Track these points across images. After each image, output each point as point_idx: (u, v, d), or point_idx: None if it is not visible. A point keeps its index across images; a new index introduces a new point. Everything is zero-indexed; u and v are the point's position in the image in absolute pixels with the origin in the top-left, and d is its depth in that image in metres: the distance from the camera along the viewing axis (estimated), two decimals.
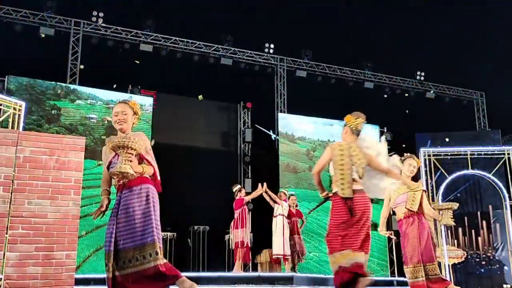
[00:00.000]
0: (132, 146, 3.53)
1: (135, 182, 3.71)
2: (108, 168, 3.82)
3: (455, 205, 6.01)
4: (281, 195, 9.61)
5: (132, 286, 3.55)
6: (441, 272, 9.17)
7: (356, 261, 4.11)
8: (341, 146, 4.50)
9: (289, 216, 9.43)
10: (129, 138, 3.54)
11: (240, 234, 9.10)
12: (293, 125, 12.75)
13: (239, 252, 9.09)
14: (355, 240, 4.22)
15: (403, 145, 10.01)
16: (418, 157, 10.20)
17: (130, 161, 3.56)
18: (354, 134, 4.50)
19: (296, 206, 9.66)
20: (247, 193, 9.72)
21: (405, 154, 6.12)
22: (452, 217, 5.79)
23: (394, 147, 8.52)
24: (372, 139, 4.75)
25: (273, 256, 9.43)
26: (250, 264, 11.17)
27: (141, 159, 3.80)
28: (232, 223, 9.20)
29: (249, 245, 9.33)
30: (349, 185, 4.22)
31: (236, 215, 9.19)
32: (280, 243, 9.26)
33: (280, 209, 9.51)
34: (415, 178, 6.10)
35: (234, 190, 9.35)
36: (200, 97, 12.29)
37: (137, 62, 11.65)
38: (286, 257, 9.29)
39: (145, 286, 3.56)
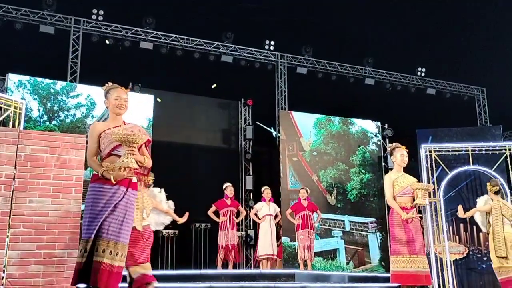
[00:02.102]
0: (137, 141, 3.68)
1: (136, 187, 3.94)
2: (109, 153, 3.89)
3: (430, 186, 6.04)
4: (266, 193, 9.63)
5: (99, 275, 3.63)
6: (442, 268, 9.21)
7: (144, 272, 5.38)
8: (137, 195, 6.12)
9: (300, 210, 9.40)
10: (134, 134, 3.67)
11: (222, 237, 9.18)
12: (293, 122, 12.73)
13: (229, 255, 9.13)
14: (144, 256, 5.55)
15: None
16: (419, 153, 10.25)
17: (133, 154, 3.71)
18: (146, 187, 6.06)
19: (308, 199, 9.60)
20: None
21: (389, 145, 6.15)
22: (425, 197, 5.77)
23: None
24: (157, 190, 6.44)
25: (260, 257, 9.44)
26: (252, 261, 11.19)
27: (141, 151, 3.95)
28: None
29: (235, 246, 9.31)
30: (141, 222, 5.69)
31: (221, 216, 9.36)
32: (265, 244, 9.29)
33: (266, 209, 9.52)
34: (405, 170, 6.10)
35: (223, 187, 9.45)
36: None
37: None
38: (273, 256, 9.34)
39: (105, 280, 3.65)
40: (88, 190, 3.86)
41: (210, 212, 9.33)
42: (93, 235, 3.69)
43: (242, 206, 11.79)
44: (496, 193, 7.26)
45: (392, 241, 5.92)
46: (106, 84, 4.13)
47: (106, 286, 3.62)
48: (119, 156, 3.84)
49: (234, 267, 9.42)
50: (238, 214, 9.58)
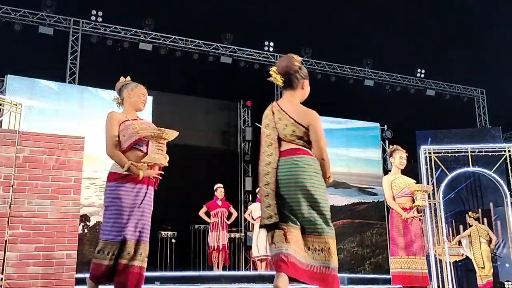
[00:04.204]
0: (167, 138, 3.61)
1: (153, 183, 3.80)
2: (130, 146, 3.71)
3: (429, 188, 6.23)
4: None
5: (130, 278, 3.56)
6: (442, 270, 9.19)
7: None
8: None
9: None
10: (164, 130, 3.58)
11: (214, 238, 9.18)
12: None
13: (219, 256, 9.12)
14: None
15: None
16: (418, 155, 10.24)
17: (163, 151, 3.63)
18: None
19: None
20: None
21: (390, 146, 6.20)
22: (424, 199, 5.83)
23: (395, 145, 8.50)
24: None
25: (254, 258, 9.43)
26: (251, 263, 11.17)
27: None
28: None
29: (226, 247, 9.34)
30: None
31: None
32: (260, 245, 9.29)
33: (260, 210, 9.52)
34: (405, 171, 6.15)
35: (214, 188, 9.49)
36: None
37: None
38: (268, 257, 9.34)
39: (135, 283, 3.60)
40: (108, 190, 3.67)
41: (201, 213, 9.35)
42: (121, 238, 3.58)
43: (241, 208, 11.81)
44: (476, 219, 9.55)
45: (391, 242, 5.98)
46: (123, 78, 4.04)
47: None
48: (141, 151, 3.72)
49: (223, 268, 9.40)
50: (230, 215, 9.57)
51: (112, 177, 3.69)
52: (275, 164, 3.16)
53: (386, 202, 12.28)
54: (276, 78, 3.33)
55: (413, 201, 5.85)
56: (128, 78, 4.06)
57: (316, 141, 3.20)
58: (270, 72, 3.37)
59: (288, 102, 3.32)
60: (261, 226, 3.24)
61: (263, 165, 3.21)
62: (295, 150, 3.19)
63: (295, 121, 3.22)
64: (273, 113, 3.30)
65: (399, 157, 6.02)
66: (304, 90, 3.40)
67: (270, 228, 3.11)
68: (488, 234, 9.47)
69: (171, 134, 3.60)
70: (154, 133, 3.54)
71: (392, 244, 5.89)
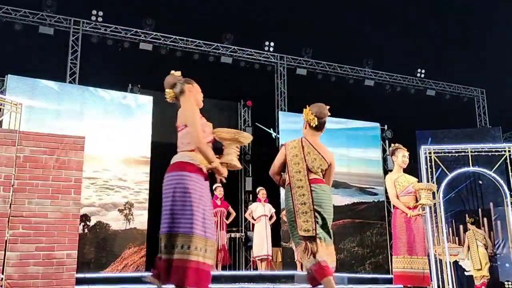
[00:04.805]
0: (243, 141, 3.76)
1: None
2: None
3: (433, 186, 6.13)
4: (262, 194, 9.62)
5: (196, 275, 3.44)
6: (442, 269, 9.20)
7: None
8: None
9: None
10: (241, 133, 3.69)
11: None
12: (293, 124, 12.71)
13: (219, 256, 9.13)
14: None
15: None
16: (418, 155, 10.25)
17: (237, 154, 3.74)
18: None
19: None
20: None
21: (392, 145, 6.18)
22: (429, 197, 5.81)
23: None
24: None
25: (255, 258, 9.44)
26: (251, 263, 11.18)
27: None
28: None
29: (225, 247, 9.32)
30: None
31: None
32: (260, 244, 9.29)
33: (262, 209, 9.52)
34: (405, 171, 6.14)
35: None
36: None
37: None
38: (268, 257, 9.35)
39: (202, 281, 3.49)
40: (191, 180, 3.48)
41: None
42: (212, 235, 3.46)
43: (241, 207, 11.81)
44: (472, 223, 9.77)
45: (393, 241, 5.96)
46: (175, 72, 3.80)
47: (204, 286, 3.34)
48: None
49: (224, 268, 9.40)
50: (228, 215, 9.57)
51: (191, 168, 3.53)
52: (308, 188, 3.97)
53: (386, 202, 12.34)
54: (314, 120, 4.12)
55: (417, 200, 5.85)
56: (179, 72, 3.83)
57: (331, 175, 4.13)
58: (304, 113, 4.17)
59: (313, 140, 4.14)
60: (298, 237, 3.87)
61: (295, 187, 4.02)
62: (319, 180, 4.05)
63: (323, 158, 4.06)
64: (302, 146, 4.11)
65: (402, 156, 5.99)
66: (323, 132, 4.21)
67: (306, 239, 3.85)
68: (484, 237, 9.70)
69: (248, 138, 3.77)
70: (233, 137, 3.67)
71: (395, 243, 5.87)
